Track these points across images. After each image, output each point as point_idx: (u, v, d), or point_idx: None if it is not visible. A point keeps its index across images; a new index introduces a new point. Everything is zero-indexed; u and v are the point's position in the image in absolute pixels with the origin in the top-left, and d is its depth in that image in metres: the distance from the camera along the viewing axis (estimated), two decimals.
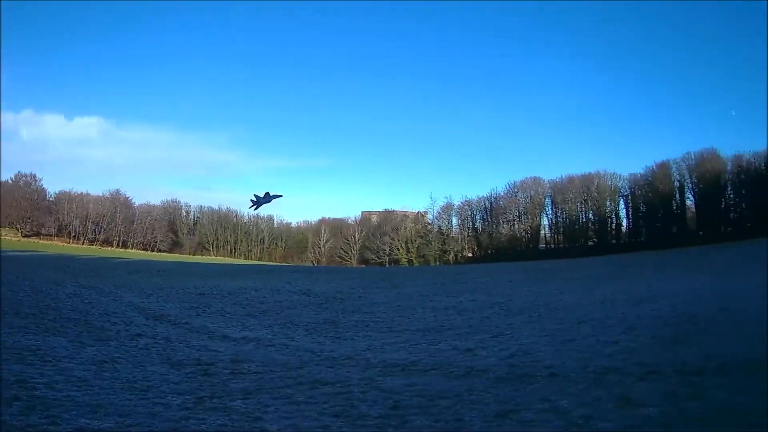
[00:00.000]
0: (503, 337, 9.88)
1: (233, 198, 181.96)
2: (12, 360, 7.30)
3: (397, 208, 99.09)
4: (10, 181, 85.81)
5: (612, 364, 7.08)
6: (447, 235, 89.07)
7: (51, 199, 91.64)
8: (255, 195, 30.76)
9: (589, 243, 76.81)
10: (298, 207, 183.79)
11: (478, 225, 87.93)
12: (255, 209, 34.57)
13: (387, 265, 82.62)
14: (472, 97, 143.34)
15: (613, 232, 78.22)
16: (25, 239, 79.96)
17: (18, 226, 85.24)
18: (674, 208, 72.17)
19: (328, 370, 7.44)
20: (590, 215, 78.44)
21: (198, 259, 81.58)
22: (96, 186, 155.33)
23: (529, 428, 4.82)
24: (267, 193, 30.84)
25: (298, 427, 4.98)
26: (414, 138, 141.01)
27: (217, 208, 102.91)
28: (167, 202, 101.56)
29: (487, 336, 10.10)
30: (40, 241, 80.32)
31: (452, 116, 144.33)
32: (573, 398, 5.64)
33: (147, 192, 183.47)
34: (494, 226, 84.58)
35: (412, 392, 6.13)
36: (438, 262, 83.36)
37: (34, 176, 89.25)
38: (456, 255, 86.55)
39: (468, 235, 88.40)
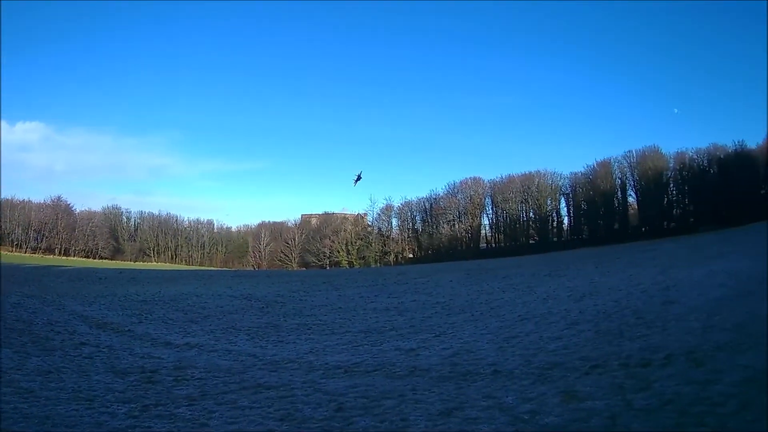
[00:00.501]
0: (445, 336, 9.99)
1: (173, 202, 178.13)
2: None
3: (336, 211, 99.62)
4: None
5: (556, 360, 7.23)
6: (387, 237, 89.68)
7: None
8: (355, 174, 44.24)
9: (531, 241, 79.12)
10: (238, 211, 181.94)
11: (419, 226, 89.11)
12: (355, 185, 45.52)
13: (328, 268, 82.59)
14: (411, 97, 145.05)
15: (554, 230, 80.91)
16: None
17: None
18: (616, 205, 75.42)
19: (271, 374, 7.52)
20: (531, 214, 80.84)
21: (139, 265, 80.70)
22: (37, 192, 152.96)
23: (474, 425, 4.83)
24: (361, 172, 42.95)
25: None
26: (352, 139, 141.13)
27: (157, 213, 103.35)
28: (108, 208, 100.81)
29: (430, 335, 10.19)
30: None
31: (390, 117, 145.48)
32: (517, 394, 5.72)
33: (88, 198, 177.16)
34: (434, 227, 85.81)
35: (356, 393, 6.21)
36: (379, 264, 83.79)
37: None
38: (397, 256, 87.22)
39: (408, 236, 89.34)
